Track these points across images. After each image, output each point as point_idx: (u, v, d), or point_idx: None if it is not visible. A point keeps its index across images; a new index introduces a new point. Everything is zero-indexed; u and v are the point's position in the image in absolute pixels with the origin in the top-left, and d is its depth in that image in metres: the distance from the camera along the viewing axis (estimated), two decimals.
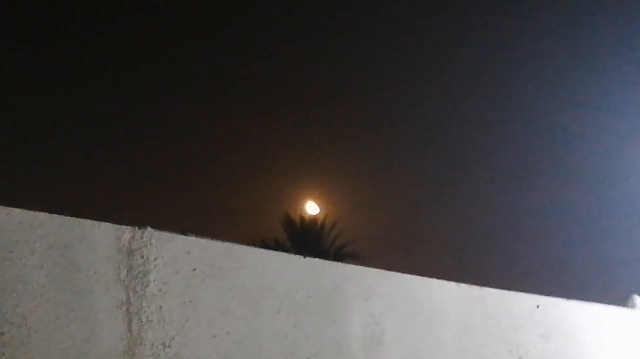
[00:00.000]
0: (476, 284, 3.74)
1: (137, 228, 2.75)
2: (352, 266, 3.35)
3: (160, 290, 2.73)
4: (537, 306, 3.91)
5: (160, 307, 2.71)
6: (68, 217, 2.62)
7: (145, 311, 2.67)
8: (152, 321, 2.68)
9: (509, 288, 3.89)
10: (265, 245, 26.96)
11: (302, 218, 32.27)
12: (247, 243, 3.12)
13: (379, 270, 3.41)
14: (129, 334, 2.63)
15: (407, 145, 36.09)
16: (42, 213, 2.56)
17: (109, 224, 2.70)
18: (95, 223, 2.67)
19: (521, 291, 3.93)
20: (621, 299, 4.63)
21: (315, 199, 32.10)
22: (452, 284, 3.65)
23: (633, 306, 4.59)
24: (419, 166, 35.48)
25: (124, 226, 2.72)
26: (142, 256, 2.72)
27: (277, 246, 29.24)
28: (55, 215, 2.59)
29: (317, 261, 3.22)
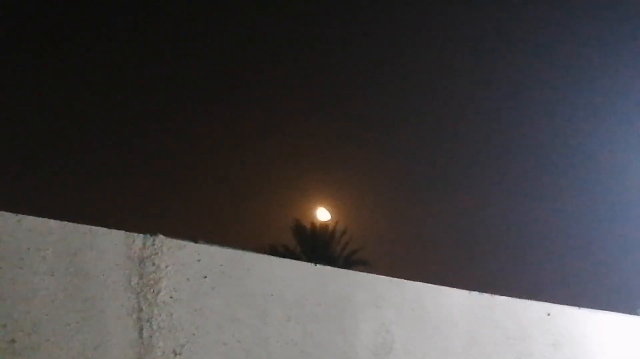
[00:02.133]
0: (486, 292, 3.74)
1: (147, 235, 2.75)
2: (362, 274, 3.35)
3: (171, 297, 2.73)
4: (548, 314, 3.90)
5: (171, 314, 2.71)
6: (79, 224, 2.63)
7: (156, 319, 2.68)
8: (162, 328, 2.69)
9: (518, 296, 3.88)
10: (275, 251, 26.96)
11: (313, 225, 32.25)
12: (257, 250, 3.12)
13: (388, 277, 3.40)
14: (140, 341, 2.63)
15: (419, 154, 36.06)
16: (53, 221, 2.57)
17: (120, 231, 2.70)
18: (106, 230, 2.67)
19: (531, 299, 3.92)
20: (632, 307, 4.62)
21: (326, 206, 32.10)
22: (462, 292, 3.64)
23: None
24: (430, 174, 35.45)
25: (135, 234, 2.73)
26: (153, 264, 2.72)
27: (287, 253, 29.21)
28: (66, 222, 2.60)
29: (327, 268, 3.21)
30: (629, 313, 4.47)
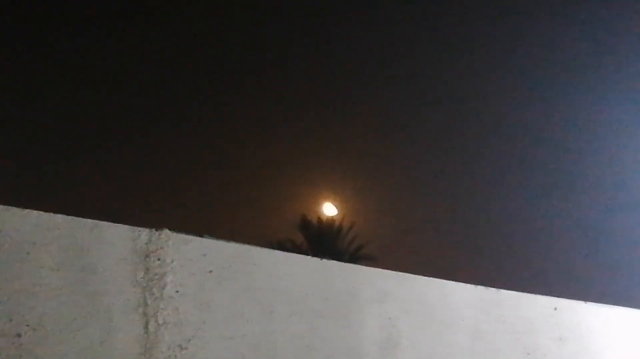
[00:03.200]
0: (492, 286, 3.73)
1: (153, 230, 2.75)
2: (367, 268, 3.35)
3: (176, 291, 2.73)
4: (555, 309, 3.90)
5: (177, 309, 2.72)
6: (84, 219, 2.63)
7: (161, 313, 2.68)
8: (168, 323, 2.69)
9: (524, 291, 3.88)
10: (281, 246, 26.98)
11: (319, 220, 32.28)
12: (264, 245, 3.12)
13: (394, 272, 3.40)
14: (146, 336, 2.63)
15: (425, 148, 36.04)
16: (59, 215, 2.57)
17: (126, 226, 2.70)
18: (112, 225, 2.67)
19: (537, 294, 3.92)
20: (638, 302, 4.61)
21: (332, 201, 32.13)
22: (468, 286, 3.64)
23: None
24: (436, 169, 35.43)
25: (141, 228, 2.73)
26: (159, 259, 2.72)
27: (294, 247, 29.26)
28: (72, 217, 2.60)
29: (333, 263, 3.21)
30: (636, 308, 4.47)
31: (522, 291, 3.86)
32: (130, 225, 2.72)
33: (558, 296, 4.00)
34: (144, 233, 2.73)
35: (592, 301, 4.16)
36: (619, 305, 4.36)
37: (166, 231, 2.78)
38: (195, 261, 2.81)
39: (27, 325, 2.41)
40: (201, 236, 2.89)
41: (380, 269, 3.37)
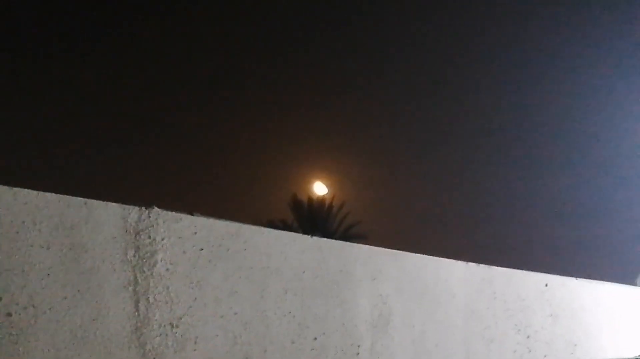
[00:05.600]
0: (484, 263, 3.73)
1: (143, 208, 2.73)
2: (360, 246, 3.34)
3: (167, 270, 2.72)
4: (546, 285, 3.90)
5: (168, 287, 2.70)
6: (74, 198, 2.60)
7: (152, 292, 2.67)
8: (159, 301, 2.68)
9: (516, 267, 3.88)
10: (272, 225, 26.96)
11: (310, 199, 32.27)
12: (254, 224, 3.11)
13: (386, 249, 3.40)
14: (137, 314, 2.62)
15: (415, 127, 36.05)
16: (49, 194, 2.55)
17: (116, 204, 2.68)
18: (102, 203, 2.65)
19: (529, 271, 3.92)
20: (629, 278, 4.62)
21: (323, 180, 32.13)
22: (460, 263, 3.63)
23: None
24: (427, 148, 35.46)
25: (131, 207, 2.71)
26: (149, 237, 2.71)
27: (285, 226, 29.22)
28: (62, 196, 2.57)
29: (324, 241, 3.20)
30: (627, 284, 4.48)
31: (514, 268, 3.86)
32: (120, 203, 2.70)
33: (549, 273, 4.00)
34: (134, 211, 2.71)
35: (582, 277, 4.16)
36: (609, 281, 4.37)
37: (156, 209, 2.76)
38: (186, 239, 2.80)
39: (18, 304, 2.40)
40: (192, 214, 2.88)
41: (373, 247, 3.37)
